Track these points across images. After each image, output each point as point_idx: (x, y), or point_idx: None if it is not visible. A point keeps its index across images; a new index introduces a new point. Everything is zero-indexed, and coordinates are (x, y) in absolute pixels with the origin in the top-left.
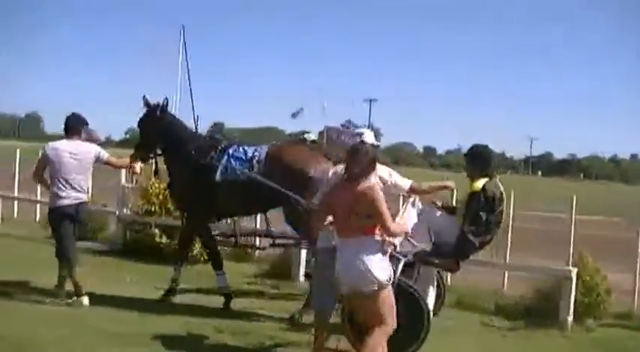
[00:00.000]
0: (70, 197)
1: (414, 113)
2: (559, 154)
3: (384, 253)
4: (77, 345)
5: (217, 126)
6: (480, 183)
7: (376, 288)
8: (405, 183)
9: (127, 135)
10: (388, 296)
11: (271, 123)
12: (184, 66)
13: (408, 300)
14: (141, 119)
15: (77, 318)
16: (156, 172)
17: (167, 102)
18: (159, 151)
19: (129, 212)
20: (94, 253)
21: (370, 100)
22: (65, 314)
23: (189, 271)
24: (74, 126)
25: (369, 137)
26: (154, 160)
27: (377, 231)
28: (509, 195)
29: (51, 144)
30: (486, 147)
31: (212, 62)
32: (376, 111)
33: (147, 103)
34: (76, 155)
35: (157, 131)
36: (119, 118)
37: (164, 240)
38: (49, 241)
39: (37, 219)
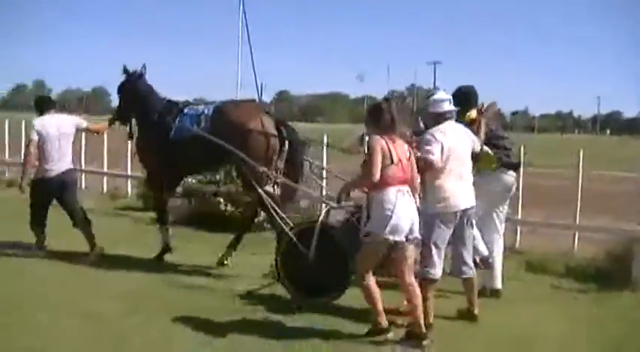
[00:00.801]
0: (57, 167)
1: (479, 75)
2: (628, 113)
3: None
4: (151, 320)
5: (282, 94)
6: (473, 112)
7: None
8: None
9: None
10: None
11: (336, 88)
12: (244, 34)
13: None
14: (119, 85)
15: (145, 290)
16: (130, 136)
17: (144, 70)
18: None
19: (194, 181)
20: None
21: (434, 63)
22: (132, 285)
23: (255, 238)
24: (47, 104)
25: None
26: (129, 125)
27: None
28: (578, 154)
29: (37, 120)
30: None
31: (275, 30)
32: (441, 73)
33: (125, 71)
34: (60, 127)
35: (130, 97)
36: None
37: (229, 208)
38: (121, 213)
39: (105, 190)
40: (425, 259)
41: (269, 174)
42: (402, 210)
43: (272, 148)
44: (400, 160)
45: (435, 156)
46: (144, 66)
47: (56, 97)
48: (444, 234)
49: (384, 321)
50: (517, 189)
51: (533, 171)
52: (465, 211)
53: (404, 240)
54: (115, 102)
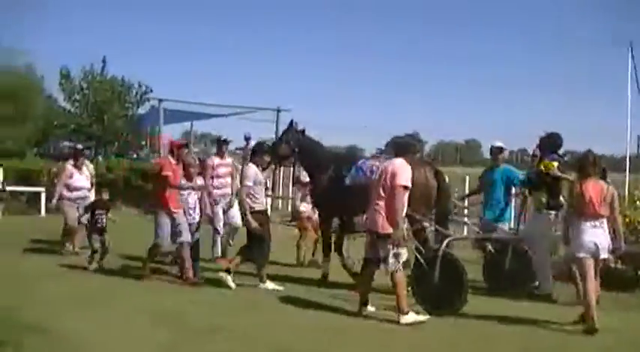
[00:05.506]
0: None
1: None
2: None
3: None
4: None
5: None
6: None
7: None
8: None
9: None
10: None
11: None
12: (633, 81)
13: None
14: (284, 133)
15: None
16: (296, 181)
17: (302, 128)
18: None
19: None
20: None
21: None
22: None
23: None
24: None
25: None
26: (295, 170)
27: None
28: None
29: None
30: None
31: None
32: None
33: (291, 124)
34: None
35: (300, 149)
36: None
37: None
38: None
39: None
40: None
41: (414, 216)
42: (589, 236)
43: (431, 193)
44: (591, 199)
45: None
46: (296, 123)
47: (430, 149)
48: None
49: (594, 319)
50: None
51: None
52: None
53: (591, 256)
54: (486, 154)
